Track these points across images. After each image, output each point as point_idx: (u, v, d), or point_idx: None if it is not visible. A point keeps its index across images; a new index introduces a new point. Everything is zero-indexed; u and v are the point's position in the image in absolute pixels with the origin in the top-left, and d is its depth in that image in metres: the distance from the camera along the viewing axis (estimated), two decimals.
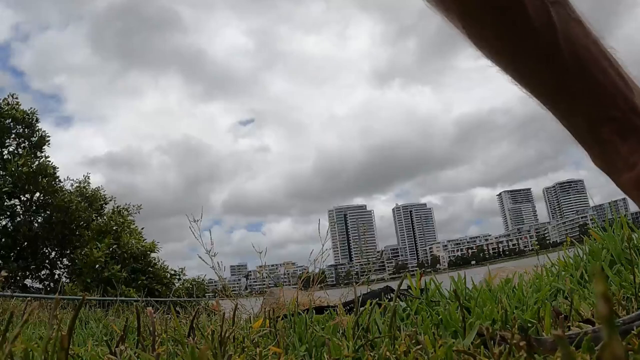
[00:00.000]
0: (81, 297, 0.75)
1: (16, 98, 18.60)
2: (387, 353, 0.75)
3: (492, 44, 0.66)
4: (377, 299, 1.23)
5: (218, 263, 3.71)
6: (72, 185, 19.06)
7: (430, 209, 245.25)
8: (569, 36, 0.59)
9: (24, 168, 17.18)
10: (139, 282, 17.04)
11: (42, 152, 18.64)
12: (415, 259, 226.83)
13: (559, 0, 0.61)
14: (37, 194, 18.16)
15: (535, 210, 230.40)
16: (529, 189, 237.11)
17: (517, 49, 0.63)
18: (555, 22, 0.59)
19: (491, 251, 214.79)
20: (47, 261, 18.51)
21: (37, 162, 17.94)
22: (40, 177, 17.66)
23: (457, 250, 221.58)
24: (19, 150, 18.18)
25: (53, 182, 18.10)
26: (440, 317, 0.95)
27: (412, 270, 1.63)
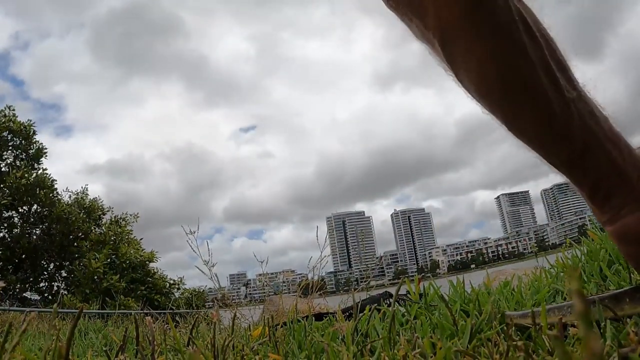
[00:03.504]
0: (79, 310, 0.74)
1: (13, 110, 18.59)
2: (386, 358, 0.75)
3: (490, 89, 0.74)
4: (376, 305, 1.23)
5: (215, 275, 3.70)
6: (70, 196, 19.03)
7: (428, 213, 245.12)
8: (581, 125, 0.71)
9: (22, 180, 17.15)
10: (138, 292, 16.96)
11: (39, 164, 18.62)
12: (414, 264, 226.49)
13: (579, 96, 0.72)
14: (35, 206, 18.11)
15: (534, 213, 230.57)
16: (527, 192, 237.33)
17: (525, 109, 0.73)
18: (574, 113, 0.71)
19: (490, 254, 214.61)
20: (45, 273, 18.43)
21: (34, 174, 17.90)
22: (38, 189, 17.63)
23: (457, 255, 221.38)
24: (17, 162, 18.15)
25: (51, 194, 18.05)
26: (435, 321, 0.95)
27: (412, 276, 1.63)
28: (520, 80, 0.70)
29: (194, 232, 3.69)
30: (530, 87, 0.70)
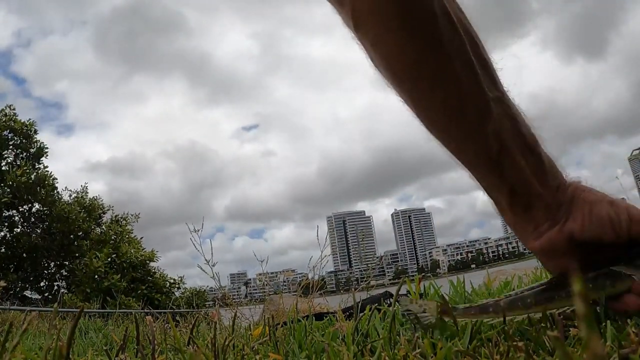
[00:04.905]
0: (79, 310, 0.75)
1: (13, 109, 18.61)
2: (387, 358, 0.75)
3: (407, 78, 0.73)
4: (377, 305, 1.23)
5: (216, 273, 3.70)
6: (70, 195, 19.03)
7: (429, 213, 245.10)
8: (500, 126, 0.70)
9: (23, 179, 17.16)
10: (139, 291, 16.97)
11: (40, 163, 18.63)
12: (415, 263, 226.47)
13: (500, 98, 0.71)
14: (36, 205, 18.12)
15: None
16: None
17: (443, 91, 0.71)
18: (493, 112, 0.70)
19: (491, 254, 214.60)
20: (46, 272, 18.44)
21: (35, 173, 17.90)
22: (39, 187, 17.63)
23: (457, 254, 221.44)
24: (17, 161, 18.15)
25: (52, 193, 18.06)
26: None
27: (412, 275, 1.64)
28: (432, 73, 0.69)
29: (198, 231, 3.68)
30: (443, 80, 0.69)
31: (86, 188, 19.44)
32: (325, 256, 3.71)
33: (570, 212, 0.71)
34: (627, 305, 0.68)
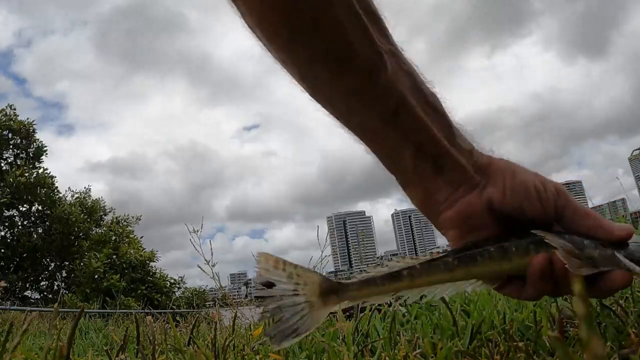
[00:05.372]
0: (80, 309, 0.75)
1: (14, 109, 18.62)
2: (387, 358, 0.75)
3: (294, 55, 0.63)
4: (377, 305, 1.23)
5: (216, 274, 3.68)
6: (72, 196, 19.07)
7: None
8: (395, 79, 0.61)
9: (22, 179, 17.17)
10: (139, 291, 16.98)
11: (40, 162, 18.64)
12: None
13: (394, 51, 0.63)
14: (36, 205, 18.14)
15: None
16: None
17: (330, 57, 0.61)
18: (387, 64, 0.61)
19: None
20: (46, 272, 18.45)
21: (35, 173, 17.91)
22: (38, 188, 17.64)
23: None
24: (17, 161, 18.16)
25: (51, 194, 18.07)
26: (436, 321, 0.95)
27: None
28: (310, 21, 0.59)
29: (198, 231, 3.66)
30: (324, 27, 0.59)
31: (89, 190, 19.53)
32: (326, 256, 3.70)
33: (489, 176, 0.63)
34: (532, 264, 0.60)
